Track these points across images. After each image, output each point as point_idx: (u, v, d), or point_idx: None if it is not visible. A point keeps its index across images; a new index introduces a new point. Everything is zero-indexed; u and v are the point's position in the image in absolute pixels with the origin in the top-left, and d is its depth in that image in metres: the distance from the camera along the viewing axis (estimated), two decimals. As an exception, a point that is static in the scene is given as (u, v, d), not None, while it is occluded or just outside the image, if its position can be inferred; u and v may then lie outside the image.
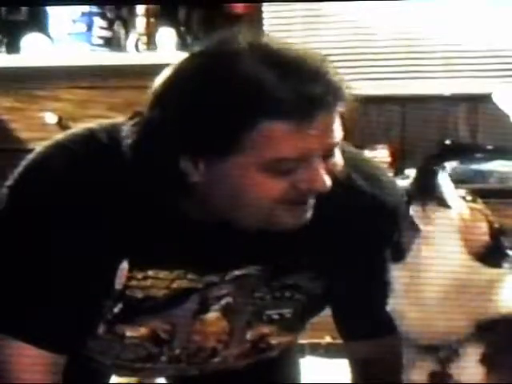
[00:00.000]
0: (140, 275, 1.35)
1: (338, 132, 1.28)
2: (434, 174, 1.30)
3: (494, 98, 1.78)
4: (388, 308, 1.32)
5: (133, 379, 1.62)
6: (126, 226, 1.32)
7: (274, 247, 1.36)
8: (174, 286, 1.37)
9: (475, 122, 3.67)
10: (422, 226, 1.29)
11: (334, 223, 1.38)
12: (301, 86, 1.22)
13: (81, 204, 1.32)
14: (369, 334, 1.44)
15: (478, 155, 3.52)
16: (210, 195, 1.29)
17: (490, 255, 1.27)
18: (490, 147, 3.58)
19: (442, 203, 1.29)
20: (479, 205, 1.33)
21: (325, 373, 2.64)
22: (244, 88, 1.22)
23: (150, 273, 1.35)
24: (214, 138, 1.24)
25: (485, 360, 1.26)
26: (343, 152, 1.38)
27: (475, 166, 3.44)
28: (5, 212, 1.36)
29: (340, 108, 1.27)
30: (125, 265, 1.35)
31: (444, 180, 1.31)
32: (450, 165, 3.46)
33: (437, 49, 3.70)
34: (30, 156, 1.40)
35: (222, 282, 1.39)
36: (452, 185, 1.32)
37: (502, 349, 1.26)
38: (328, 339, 2.89)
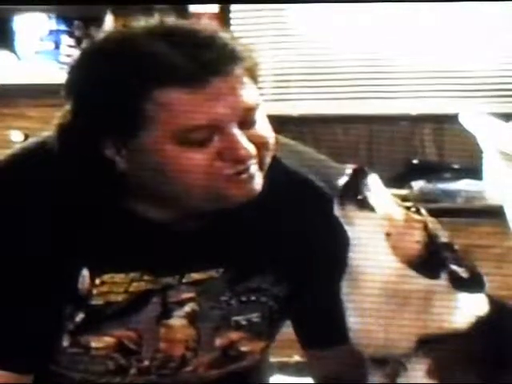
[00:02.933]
0: (97, 281, 1.33)
1: (247, 97, 1.25)
2: (359, 175, 1.29)
3: (460, 119, 1.79)
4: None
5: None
6: (73, 230, 1.31)
7: (231, 249, 1.35)
8: (132, 289, 1.34)
9: (442, 141, 3.70)
10: (346, 228, 1.29)
11: (281, 220, 1.37)
12: (191, 52, 1.21)
13: (22, 209, 1.31)
14: (327, 342, 1.43)
15: (445, 174, 3.55)
16: (143, 183, 1.28)
17: (424, 265, 1.26)
18: (456, 166, 3.61)
19: (364, 205, 1.28)
20: (419, 214, 1.32)
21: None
22: (133, 59, 1.22)
23: (106, 277, 1.33)
24: (119, 115, 1.23)
25: (432, 374, 1.26)
26: (287, 147, 1.40)
27: (442, 186, 3.47)
28: None
29: (242, 71, 1.25)
30: (85, 271, 1.33)
31: (373, 182, 1.30)
32: (418, 184, 3.49)
33: (404, 69, 3.73)
34: None
35: (180, 285, 1.37)
36: (384, 189, 1.31)
37: (449, 364, 1.26)
38: (297, 358, 2.89)
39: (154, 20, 1.30)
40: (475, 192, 3.41)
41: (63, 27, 3.44)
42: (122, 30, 1.30)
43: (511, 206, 1.81)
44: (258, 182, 1.29)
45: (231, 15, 3.80)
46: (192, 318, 1.39)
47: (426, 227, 1.29)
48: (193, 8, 3.65)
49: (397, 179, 3.63)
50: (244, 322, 1.42)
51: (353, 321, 1.30)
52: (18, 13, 3.44)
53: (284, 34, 3.80)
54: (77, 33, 3.46)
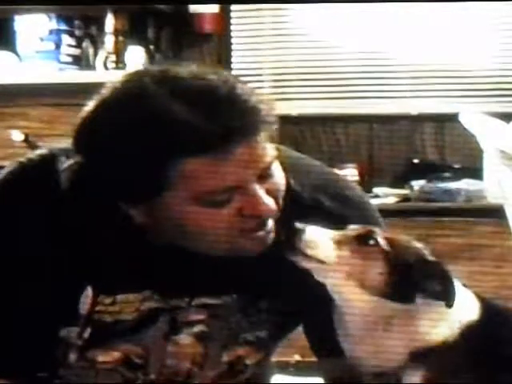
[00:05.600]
0: (108, 300, 1.34)
1: (267, 153, 1.25)
2: (293, 233, 1.27)
3: (460, 118, 1.80)
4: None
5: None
6: (83, 254, 1.31)
7: (244, 275, 1.35)
8: (143, 307, 1.36)
9: (442, 141, 3.70)
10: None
11: None
12: (215, 120, 1.20)
13: (31, 231, 1.31)
14: (335, 351, 1.44)
15: (446, 174, 3.55)
16: (161, 230, 1.29)
17: (395, 292, 1.27)
18: (457, 166, 3.61)
19: (311, 260, 1.28)
20: (377, 245, 1.31)
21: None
22: (155, 130, 1.20)
23: (119, 298, 1.34)
24: (139, 183, 1.23)
25: (428, 382, 1.27)
26: (308, 167, 1.39)
27: (443, 185, 3.47)
28: None
29: (263, 130, 1.24)
30: (89, 291, 1.33)
31: (311, 235, 1.28)
32: (418, 183, 3.49)
33: (404, 69, 3.74)
34: None
35: (189, 307, 1.38)
36: (326, 235, 1.29)
37: (443, 374, 1.27)
38: (297, 357, 2.89)
39: (162, 71, 1.26)
40: (475, 191, 3.41)
41: (63, 27, 3.44)
42: (137, 85, 1.24)
43: (511, 205, 1.82)
44: (271, 234, 1.29)
45: (231, 14, 3.80)
46: (200, 337, 1.39)
47: (386, 257, 1.28)
48: (193, 8, 3.66)
49: (397, 179, 3.63)
50: (252, 338, 1.42)
51: (345, 346, 1.32)
52: (19, 13, 3.44)
53: (284, 34, 3.80)
54: (77, 32, 3.46)
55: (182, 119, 1.19)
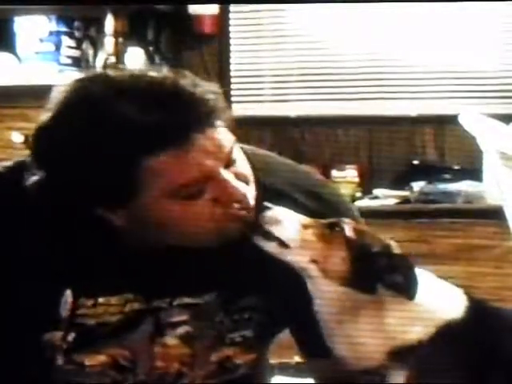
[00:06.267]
0: (89, 303, 1.34)
1: (227, 140, 1.28)
2: (260, 212, 1.29)
3: (460, 120, 1.80)
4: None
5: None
6: (59, 258, 1.32)
7: (223, 272, 1.36)
8: (127, 309, 1.36)
9: (442, 142, 3.71)
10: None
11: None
12: (169, 115, 1.22)
13: (5, 235, 1.32)
14: (321, 353, 1.44)
15: (446, 175, 3.56)
16: (143, 231, 1.30)
17: (357, 281, 1.27)
18: (457, 167, 3.62)
19: (278, 243, 1.29)
20: (341, 232, 1.30)
21: (294, 393, 2.64)
22: (111, 135, 1.22)
23: (101, 300, 1.35)
24: (110, 187, 1.24)
25: (411, 381, 1.27)
26: (279, 165, 1.40)
27: (442, 186, 3.47)
28: None
29: (217, 118, 1.26)
30: (68, 294, 1.33)
31: (276, 216, 1.29)
32: (418, 184, 3.49)
33: (404, 69, 3.74)
34: None
35: (171, 308, 1.38)
36: (293, 217, 1.30)
37: (426, 373, 1.27)
38: (297, 359, 2.88)
39: (100, 75, 1.29)
40: (475, 193, 3.41)
41: (63, 28, 3.44)
42: (84, 92, 1.28)
43: (511, 206, 1.82)
44: (253, 211, 1.30)
45: (231, 15, 3.80)
46: (186, 338, 1.40)
47: (349, 245, 1.28)
48: (192, 9, 3.66)
49: (397, 180, 3.64)
50: (238, 339, 1.43)
51: (328, 341, 1.32)
52: (19, 14, 3.44)
53: (284, 35, 3.80)
54: (77, 34, 3.46)
55: (133, 119, 1.21)
